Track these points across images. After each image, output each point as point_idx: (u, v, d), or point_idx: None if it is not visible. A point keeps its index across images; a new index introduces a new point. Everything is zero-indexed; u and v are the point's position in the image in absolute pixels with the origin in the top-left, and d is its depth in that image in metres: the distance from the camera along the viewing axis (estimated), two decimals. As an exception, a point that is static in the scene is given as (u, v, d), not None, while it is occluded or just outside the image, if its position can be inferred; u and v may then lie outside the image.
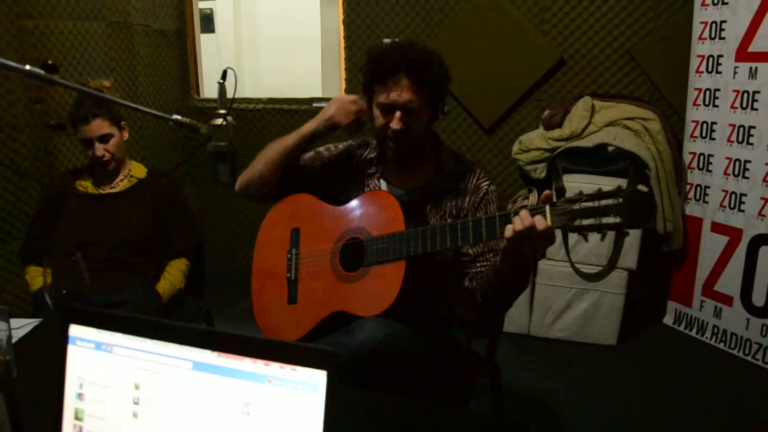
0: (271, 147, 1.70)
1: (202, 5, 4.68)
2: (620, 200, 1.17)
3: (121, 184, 2.15)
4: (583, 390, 2.55)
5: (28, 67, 0.98)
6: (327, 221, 1.62)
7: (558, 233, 2.80)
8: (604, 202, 1.19)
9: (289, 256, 1.68)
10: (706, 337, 2.96)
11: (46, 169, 2.82)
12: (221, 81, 2.74)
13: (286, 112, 3.76)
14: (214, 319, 2.28)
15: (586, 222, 1.21)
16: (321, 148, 1.77)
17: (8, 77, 2.61)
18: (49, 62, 0.99)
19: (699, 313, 2.99)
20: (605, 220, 1.19)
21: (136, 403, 0.78)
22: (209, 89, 4.01)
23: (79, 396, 0.81)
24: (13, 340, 1.35)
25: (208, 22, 5.29)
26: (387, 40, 1.66)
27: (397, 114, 1.50)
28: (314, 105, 3.69)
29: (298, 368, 0.70)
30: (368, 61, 1.56)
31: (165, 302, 2.06)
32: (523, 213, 1.25)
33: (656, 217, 2.86)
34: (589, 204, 1.20)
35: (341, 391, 0.69)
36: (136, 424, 0.77)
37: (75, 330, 0.81)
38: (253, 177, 1.71)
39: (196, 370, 0.75)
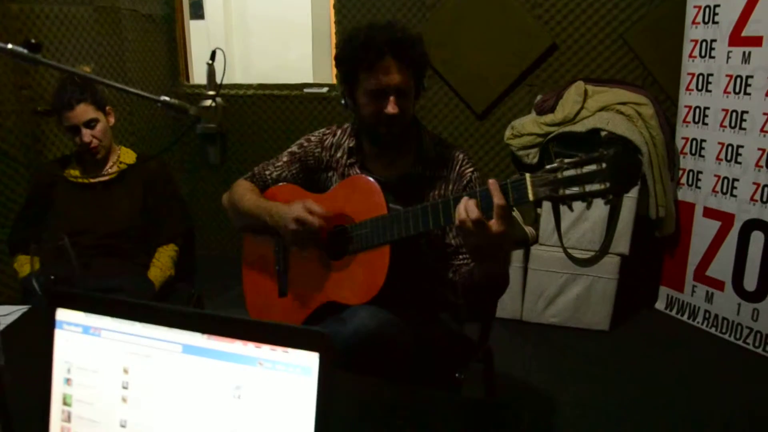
0: (243, 203, 1.66)
1: (191, -10, 4.61)
2: (604, 165, 1.11)
3: (110, 171, 2.12)
4: (575, 375, 2.57)
5: (10, 45, 0.96)
6: None
7: (551, 219, 2.84)
8: (587, 168, 1.13)
9: (276, 248, 1.66)
10: (698, 322, 2.98)
11: (33, 155, 2.78)
12: (210, 62, 2.71)
13: (276, 98, 3.72)
14: (205, 305, 2.27)
15: (570, 191, 1.14)
16: (294, 148, 1.73)
17: (-7, 63, 2.57)
18: (33, 41, 0.97)
19: (691, 298, 3.01)
20: (590, 187, 1.12)
21: (125, 388, 0.76)
22: (199, 75, 3.96)
23: (67, 381, 0.79)
24: (1, 327, 1.34)
25: (197, 8, 5.21)
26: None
27: (391, 98, 1.48)
28: (305, 91, 3.66)
29: (290, 350, 0.69)
30: (349, 49, 1.51)
31: (157, 289, 2.04)
32: (492, 182, 1.24)
33: (649, 202, 2.86)
34: (572, 172, 1.14)
35: (334, 375, 0.68)
36: (126, 408, 0.76)
37: (62, 314, 0.80)
38: (230, 214, 1.74)
39: (186, 353, 0.73)
